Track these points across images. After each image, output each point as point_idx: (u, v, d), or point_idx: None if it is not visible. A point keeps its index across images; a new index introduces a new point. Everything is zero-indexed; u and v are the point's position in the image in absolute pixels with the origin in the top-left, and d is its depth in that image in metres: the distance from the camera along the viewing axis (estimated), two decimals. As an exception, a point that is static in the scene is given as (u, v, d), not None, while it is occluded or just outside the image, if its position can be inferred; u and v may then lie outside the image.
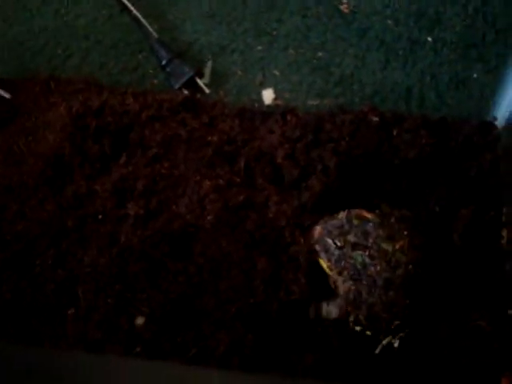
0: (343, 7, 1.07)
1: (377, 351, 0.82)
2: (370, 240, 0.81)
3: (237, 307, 0.83)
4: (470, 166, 0.91)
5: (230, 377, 0.63)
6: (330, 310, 0.83)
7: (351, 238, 0.81)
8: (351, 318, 0.81)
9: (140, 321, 0.83)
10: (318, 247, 0.83)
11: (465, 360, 0.80)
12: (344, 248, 0.80)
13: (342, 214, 0.83)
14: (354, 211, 0.83)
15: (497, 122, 0.95)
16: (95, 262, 0.86)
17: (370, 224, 0.82)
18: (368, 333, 0.81)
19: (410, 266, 0.80)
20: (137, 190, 0.90)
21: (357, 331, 0.82)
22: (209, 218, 0.88)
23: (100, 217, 0.89)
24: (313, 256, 0.83)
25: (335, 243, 0.81)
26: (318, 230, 0.84)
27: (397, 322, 0.80)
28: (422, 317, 0.83)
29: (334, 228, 0.82)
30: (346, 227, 0.82)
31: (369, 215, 0.83)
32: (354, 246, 0.80)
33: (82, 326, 0.83)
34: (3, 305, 0.85)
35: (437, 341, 0.82)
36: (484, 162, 0.91)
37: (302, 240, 0.85)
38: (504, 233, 0.87)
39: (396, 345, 0.82)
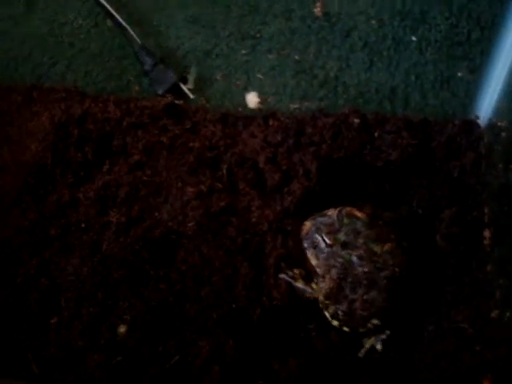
0: (316, 10, 1.06)
1: (360, 355, 0.82)
2: (360, 240, 0.80)
3: (219, 313, 0.83)
4: (452, 167, 0.91)
5: None
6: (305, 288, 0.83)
7: (341, 236, 0.80)
8: (330, 311, 0.81)
9: (122, 329, 0.83)
10: (306, 244, 0.82)
11: (446, 362, 0.80)
12: (333, 246, 0.80)
13: (333, 212, 0.82)
14: (345, 209, 0.83)
15: (479, 121, 0.94)
16: (78, 270, 0.86)
17: (360, 223, 0.81)
18: (346, 329, 0.81)
19: (396, 269, 0.80)
20: (119, 197, 0.90)
21: (335, 327, 0.82)
22: (191, 224, 0.88)
23: (83, 225, 0.89)
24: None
25: (325, 241, 0.80)
26: (307, 226, 0.83)
27: (375, 322, 0.80)
28: (403, 318, 0.82)
29: (323, 225, 0.81)
30: (337, 225, 0.81)
31: (359, 214, 0.82)
32: (344, 245, 0.80)
33: (64, 334, 0.83)
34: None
35: (419, 342, 0.82)
36: (467, 162, 0.90)
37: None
38: (486, 233, 0.87)
39: (379, 347, 0.82)
